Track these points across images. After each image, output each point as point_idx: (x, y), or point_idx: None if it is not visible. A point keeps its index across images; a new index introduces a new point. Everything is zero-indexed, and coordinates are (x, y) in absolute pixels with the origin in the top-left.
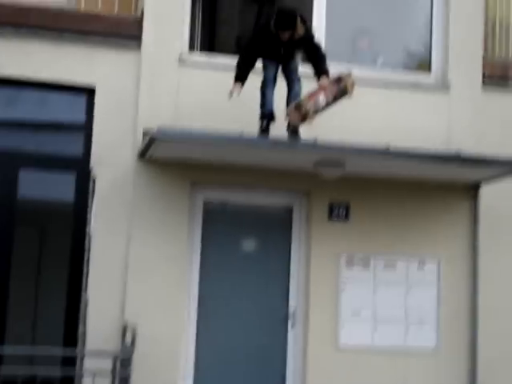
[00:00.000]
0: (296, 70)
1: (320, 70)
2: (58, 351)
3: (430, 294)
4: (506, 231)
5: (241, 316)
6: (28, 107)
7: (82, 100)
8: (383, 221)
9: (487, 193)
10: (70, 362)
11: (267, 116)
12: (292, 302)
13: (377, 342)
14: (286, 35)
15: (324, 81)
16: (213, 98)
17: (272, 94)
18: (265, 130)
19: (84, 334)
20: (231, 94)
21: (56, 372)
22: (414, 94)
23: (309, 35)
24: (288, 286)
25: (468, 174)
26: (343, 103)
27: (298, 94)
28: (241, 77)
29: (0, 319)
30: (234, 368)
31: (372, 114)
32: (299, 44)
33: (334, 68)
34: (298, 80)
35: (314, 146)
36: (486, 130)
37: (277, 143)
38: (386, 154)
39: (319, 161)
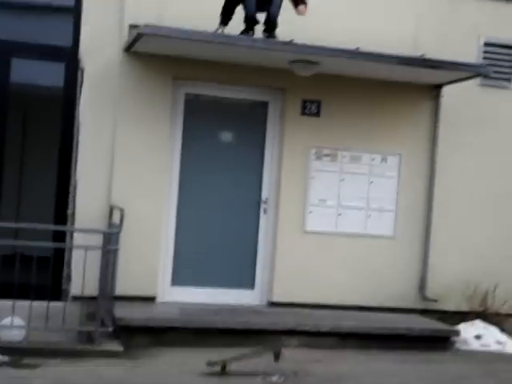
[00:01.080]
0: None
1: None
2: (53, 227)
3: (391, 186)
4: (463, 128)
5: (217, 202)
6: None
7: None
8: (352, 117)
9: (448, 93)
10: (60, 239)
11: (248, 19)
12: (264, 190)
13: (340, 228)
14: None
15: (300, 8)
16: None
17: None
18: (245, 31)
19: (73, 214)
20: (216, 31)
21: (50, 245)
22: None
23: None
24: (261, 175)
25: (432, 77)
26: (317, 5)
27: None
28: (224, 21)
29: None
30: (211, 246)
31: (345, 14)
32: None
33: None
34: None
35: (289, 45)
36: (451, 34)
37: (255, 42)
38: (356, 55)
39: (294, 60)
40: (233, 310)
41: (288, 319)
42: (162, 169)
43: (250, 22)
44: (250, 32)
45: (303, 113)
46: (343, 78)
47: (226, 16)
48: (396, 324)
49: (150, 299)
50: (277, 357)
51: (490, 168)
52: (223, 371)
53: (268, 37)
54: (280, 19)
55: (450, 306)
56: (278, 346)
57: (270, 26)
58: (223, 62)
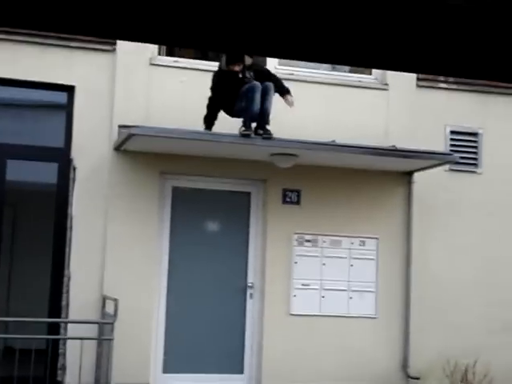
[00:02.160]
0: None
1: (282, 90)
2: (52, 320)
3: (370, 268)
4: (436, 212)
5: (205, 288)
6: (18, 105)
7: (63, 98)
8: (330, 205)
9: (419, 178)
10: (55, 331)
11: (253, 118)
12: (250, 276)
13: (324, 310)
14: (236, 67)
15: (289, 98)
16: (180, 95)
17: None
18: (246, 130)
19: (67, 306)
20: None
21: (47, 337)
22: (357, 93)
23: (262, 68)
24: (247, 261)
25: (403, 165)
26: (296, 101)
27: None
28: (209, 126)
29: None
30: (200, 332)
31: (320, 110)
32: (258, 77)
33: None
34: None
35: (270, 140)
36: (419, 125)
37: (237, 138)
38: (332, 147)
39: (274, 153)
40: None
41: None
42: (152, 259)
43: (253, 120)
44: (250, 129)
45: (284, 201)
46: (321, 168)
47: (210, 121)
48: None
49: None
50: None
51: (463, 248)
52: None
53: (264, 133)
54: None
55: (432, 383)
56: None
57: (265, 120)
58: (207, 156)
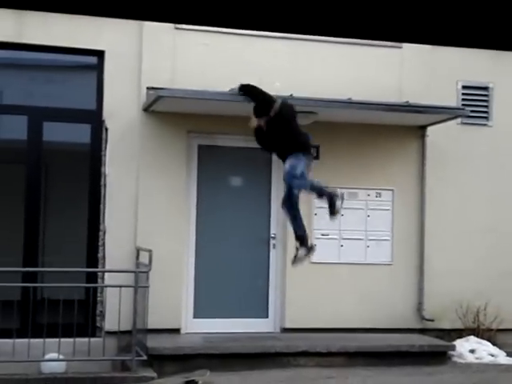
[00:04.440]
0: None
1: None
2: (88, 269)
3: (386, 219)
4: (447, 164)
5: (231, 240)
6: (52, 68)
7: (94, 62)
8: (347, 159)
9: (432, 132)
10: (93, 282)
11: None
12: (273, 227)
13: (343, 258)
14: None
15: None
16: (203, 57)
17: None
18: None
19: (104, 257)
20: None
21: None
22: (372, 52)
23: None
24: (269, 214)
25: (416, 120)
26: (312, 62)
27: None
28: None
29: (33, 247)
30: (227, 281)
31: (337, 69)
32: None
33: None
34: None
35: (291, 99)
36: (432, 81)
37: None
38: (348, 105)
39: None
40: (250, 337)
41: (300, 342)
42: (181, 212)
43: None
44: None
45: None
46: (338, 125)
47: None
48: (398, 342)
49: (175, 331)
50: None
51: (474, 198)
52: None
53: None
54: (280, 74)
55: (445, 324)
56: (201, 374)
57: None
58: (231, 115)
